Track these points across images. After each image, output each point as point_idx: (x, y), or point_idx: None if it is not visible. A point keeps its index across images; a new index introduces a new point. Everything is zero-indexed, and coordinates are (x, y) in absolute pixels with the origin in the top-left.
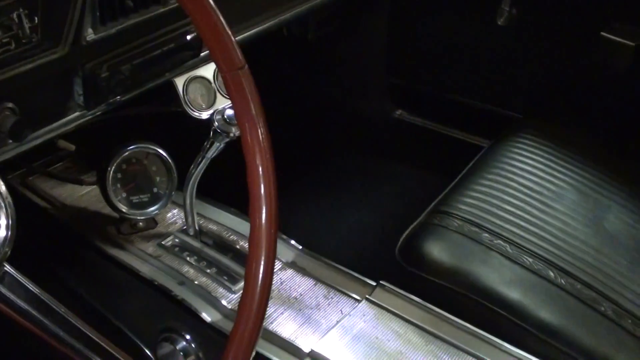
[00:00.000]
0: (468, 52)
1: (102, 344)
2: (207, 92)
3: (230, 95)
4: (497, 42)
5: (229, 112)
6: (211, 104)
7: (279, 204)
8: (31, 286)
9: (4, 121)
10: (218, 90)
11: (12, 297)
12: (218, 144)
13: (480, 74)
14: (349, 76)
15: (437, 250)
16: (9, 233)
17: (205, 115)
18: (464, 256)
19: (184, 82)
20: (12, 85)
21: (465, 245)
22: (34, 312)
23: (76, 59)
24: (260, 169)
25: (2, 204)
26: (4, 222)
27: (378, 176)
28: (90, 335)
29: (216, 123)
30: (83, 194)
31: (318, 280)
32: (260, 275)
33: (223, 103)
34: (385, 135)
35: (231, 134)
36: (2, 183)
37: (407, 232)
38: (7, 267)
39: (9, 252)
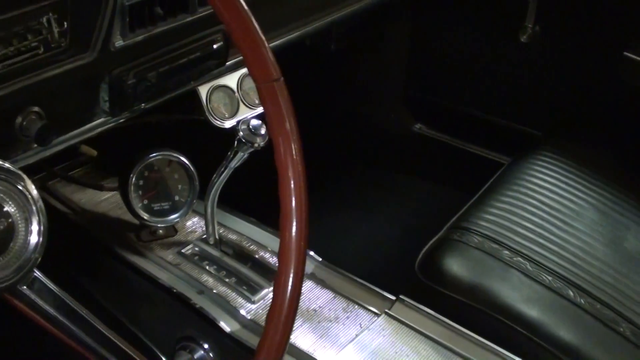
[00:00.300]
0: (489, 67)
1: (129, 351)
2: (230, 102)
3: (264, 106)
4: (519, 59)
5: (254, 122)
6: (234, 113)
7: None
8: (59, 292)
9: (30, 125)
10: (241, 99)
11: (40, 302)
12: (242, 154)
13: (500, 90)
14: (369, 88)
15: (456, 266)
16: (40, 239)
17: (227, 124)
18: (483, 273)
19: (208, 91)
20: (39, 89)
21: (485, 261)
22: (62, 319)
23: (104, 65)
24: (292, 183)
25: (34, 210)
26: (35, 227)
27: (396, 189)
28: (116, 342)
29: (241, 133)
30: (103, 200)
31: (337, 292)
32: (289, 289)
33: (246, 113)
34: (403, 149)
35: (255, 144)
36: (33, 187)
37: (426, 247)
38: (37, 273)
39: (39, 258)
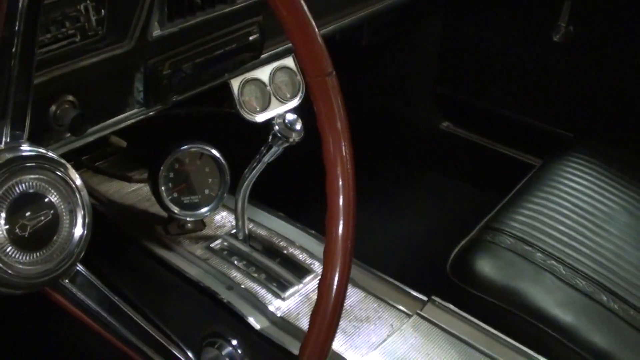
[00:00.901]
0: (520, 66)
1: (170, 348)
2: (262, 95)
3: (314, 101)
4: (551, 58)
5: (290, 116)
6: (265, 107)
7: None
8: (102, 287)
9: (64, 114)
10: (273, 93)
11: (82, 297)
12: (276, 149)
13: (532, 89)
14: (398, 84)
15: (489, 268)
16: (85, 232)
17: (259, 118)
18: (516, 275)
19: (240, 84)
20: (75, 78)
21: (518, 263)
22: (104, 314)
23: (140, 55)
24: (340, 180)
25: (79, 201)
26: (80, 220)
27: (424, 188)
28: (159, 339)
29: (276, 127)
30: (130, 192)
31: (368, 292)
32: (334, 290)
33: (277, 107)
34: (431, 147)
35: (291, 139)
36: (77, 177)
37: (458, 247)
38: (79, 267)
39: (83, 252)
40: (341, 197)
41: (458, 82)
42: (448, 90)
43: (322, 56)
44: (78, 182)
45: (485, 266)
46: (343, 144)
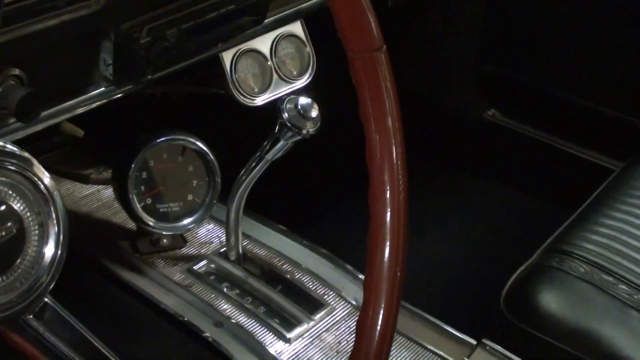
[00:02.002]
0: (591, 40)
1: None
2: (261, 72)
3: (357, 86)
4: (633, 33)
5: (304, 100)
6: (265, 87)
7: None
8: (76, 324)
9: (9, 93)
10: (275, 69)
11: (51, 338)
12: (284, 143)
13: (610, 72)
14: (431, 60)
15: (556, 303)
16: (59, 252)
17: (259, 101)
18: (592, 312)
19: (233, 57)
20: (23, 46)
21: (595, 298)
22: None
23: (111, 16)
24: (387, 189)
25: (52, 209)
26: (53, 236)
27: (467, 198)
28: None
29: (285, 114)
30: (86, 196)
31: (404, 335)
32: (377, 334)
33: (280, 87)
34: (474, 142)
35: (304, 131)
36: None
37: (515, 275)
38: (48, 299)
39: (55, 279)
40: (389, 211)
41: (509, 58)
42: (496, 68)
43: (369, 27)
44: (48, 181)
45: (551, 300)
46: (394, 143)
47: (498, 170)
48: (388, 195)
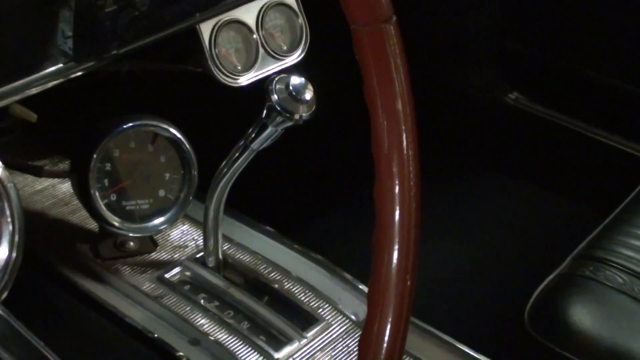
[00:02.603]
0: (633, 11)
1: None
2: (246, 47)
3: (362, 61)
4: None
5: (296, 79)
6: (250, 64)
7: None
8: (33, 339)
9: None
10: (262, 43)
11: (5, 357)
12: (273, 130)
13: None
14: (445, 35)
15: (589, 318)
16: (14, 256)
17: (243, 81)
18: (632, 330)
19: (212, 30)
20: None
21: (635, 313)
22: None
23: None
24: (396, 183)
25: (6, 204)
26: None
27: (484, 194)
28: None
29: (275, 96)
30: (39, 191)
31: (413, 356)
32: (383, 352)
33: (268, 65)
34: (493, 130)
35: (296, 116)
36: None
37: (541, 286)
38: (1, 309)
39: (9, 288)
40: (397, 208)
41: (534, 32)
42: (519, 44)
43: None
44: (1, 172)
45: (583, 315)
46: (404, 129)
47: (522, 163)
48: (397, 191)
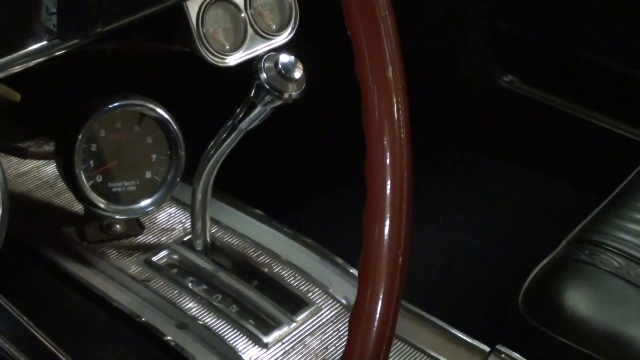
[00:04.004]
0: None
1: None
2: (234, 26)
3: (351, 31)
4: None
5: (285, 57)
6: (239, 44)
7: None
8: (21, 317)
9: None
10: (251, 22)
11: None
12: (262, 109)
13: None
14: (437, 17)
15: (584, 302)
16: None
17: (231, 60)
18: (627, 315)
19: (200, 8)
20: None
21: (631, 297)
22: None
23: None
24: (387, 157)
25: None
26: None
27: (478, 179)
28: None
29: (263, 75)
30: (24, 173)
31: (406, 342)
32: (375, 328)
33: (257, 44)
34: (487, 114)
35: (286, 95)
36: None
37: (535, 271)
38: None
39: None
40: (389, 181)
41: (529, 13)
42: (513, 26)
43: None
44: None
45: (578, 300)
46: (396, 101)
47: (516, 147)
48: (388, 163)
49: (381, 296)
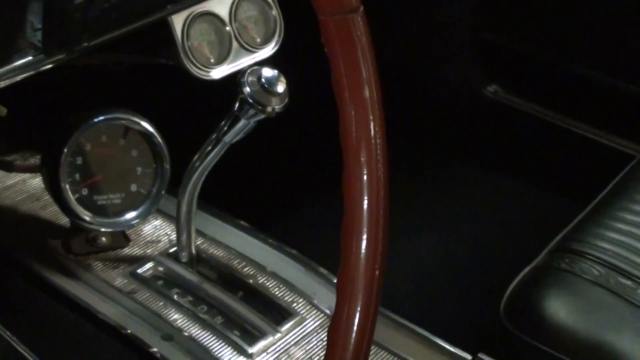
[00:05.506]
0: (611, 2)
1: None
2: (219, 39)
3: (329, 53)
4: None
5: (268, 72)
6: (223, 57)
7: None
8: (3, 331)
9: None
10: (235, 36)
11: None
12: (246, 123)
13: (632, 42)
14: (421, 28)
15: (564, 311)
16: None
17: (215, 74)
18: (608, 323)
19: (185, 22)
20: None
21: (611, 305)
22: None
23: None
24: (365, 172)
25: None
26: None
27: (461, 188)
28: None
29: (247, 89)
30: (10, 186)
31: (388, 350)
32: (352, 340)
33: (241, 57)
34: (472, 124)
35: (269, 109)
36: None
37: (517, 279)
38: None
39: None
40: (366, 198)
41: (512, 24)
42: (497, 36)
43: None
44: None
45: (559, 308)
46: (372, 119)
47: (501, 156)
48: (365, 179)
49: (359, 309)
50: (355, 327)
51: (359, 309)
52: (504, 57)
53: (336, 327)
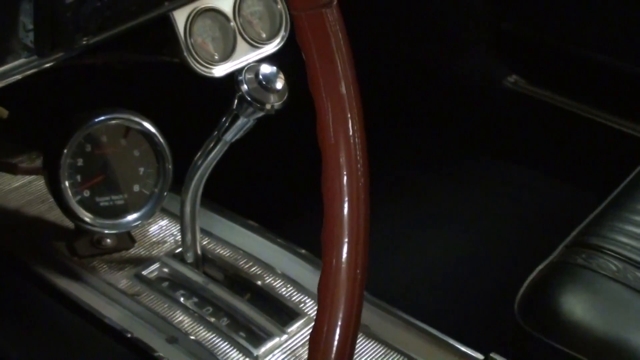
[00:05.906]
0: None
1: None
2: (223, 35)
3: (303, 49)
4: None
5: (267, 68)
6: (228, 54)
7: None
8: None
9: None
10: (240, 32)
11: None
12: (245, 121)
13: None
14: (440, 19)
15: (581, 308)
16: None
17: (219, 71)
18: (626, 320)
19: (188, 18)
20: None
21: (629, 302)
22: None
23: None
24: (344, 177)
25: None
26: None
27: (480, 181)
28: None
29: (245, 86)
30: (15, 189)
31: (397, 350)
32: (334, 348)
33: (246, 53)
34: (492, 115)
35: (268, 106)
36: None
37: (532, 276)
38: None
39: None
40: (346, 201)
41: (533, 14)
42: (517, 26)
43: None
44: None
45: (575, 305)
46: (349, 117)
47: (521, 147)
48: (345, 181)
49: (340, 317)
50: (336, 338)
51: (340, 317)
52: (524, 47)
53: (317, 337)
